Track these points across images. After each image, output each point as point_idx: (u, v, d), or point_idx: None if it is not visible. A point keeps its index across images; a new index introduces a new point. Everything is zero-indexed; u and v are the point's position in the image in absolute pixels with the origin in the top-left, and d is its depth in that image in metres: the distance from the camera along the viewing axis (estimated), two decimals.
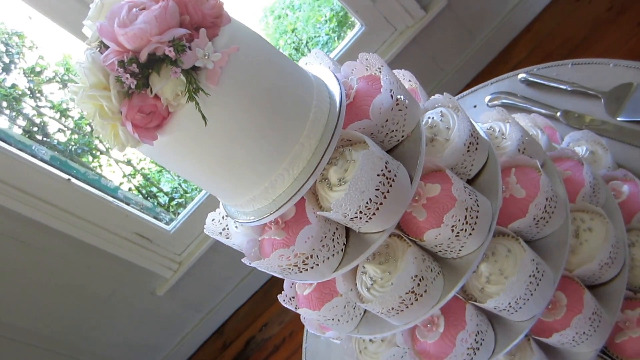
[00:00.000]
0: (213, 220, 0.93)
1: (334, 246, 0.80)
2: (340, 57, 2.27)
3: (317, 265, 0.80)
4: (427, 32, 2.27)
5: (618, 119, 1.21)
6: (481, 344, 0.87)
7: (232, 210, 0.83)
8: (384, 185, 0.75)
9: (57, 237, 2.28)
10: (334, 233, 0.81)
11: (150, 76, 0.66)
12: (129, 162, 2.64)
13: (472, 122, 0.91)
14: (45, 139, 2.35)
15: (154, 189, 2.73)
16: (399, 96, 0.81)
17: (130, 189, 2.58)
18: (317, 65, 0.86)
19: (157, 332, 2.81)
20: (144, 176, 2.70)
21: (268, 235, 0.81)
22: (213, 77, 0.66)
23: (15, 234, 2.25)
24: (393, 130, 0.83)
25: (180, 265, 2.51)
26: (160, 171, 2.77)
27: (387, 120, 0.81)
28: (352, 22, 2.49)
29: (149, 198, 2.67)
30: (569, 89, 1.29)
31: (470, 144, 0.87)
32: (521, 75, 1.38)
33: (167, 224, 2.44)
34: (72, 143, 2.49)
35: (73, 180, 2.18)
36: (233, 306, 2.80)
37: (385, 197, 0.75)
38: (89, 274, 2.46)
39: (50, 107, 2.42)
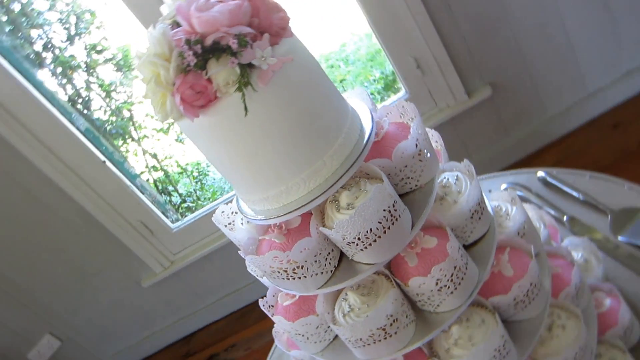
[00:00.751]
0: (223, 212, 0.96)
1: (326, 265, 0.83)
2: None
3: (305, 277, 0.83)
4: (464, 117, 2.33)
5: (619, 238, 1.23)
6: None
7: (243, 206, 0.87)
8: (387, 220, 0.79)
9: (68, 203, 2.34)
10: (329, 253, 0.84)
11: (209, 60, 0.72)
12: (154, 156, 2.70)
13: (483, 194, 0.95)
14: (86, 111, 2.42)
15: (171, 188, 2.78)
16: (422, 148, 0.86)
17: (148, 180, 2.63)
18: (358, 100, 0.91)
19: (128, 321, 2.81)
20: (165, 172, 2.75)
21: (269, 236, 0.84)
22: (264, 77, 0.71)
23: (31, 187, 2.31)
24: (409, 177, 0.87)
25: (172, 264, 2.53)
26: (182, 173, 2.83)
27: (405, 166, 0.85)
28: (397, 88, 2.57)
29: (163, 194, 2.72)
30: (582, 198, 1.33)
31: (475, 212, 0.91)
32: (540, 174, 1.42)
33: (173, 222, 2.48)
34: (109, 123, 2.56)
35: (108, 163, 2.27)
36: (208, 319, 2.80)
37: (384, 232, 0.79)
38: (85, 247, 2.50)
39: (99, 85, 2.50)
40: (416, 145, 0.85)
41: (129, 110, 2.59)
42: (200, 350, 2.68)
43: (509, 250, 0.95)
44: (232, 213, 0.96)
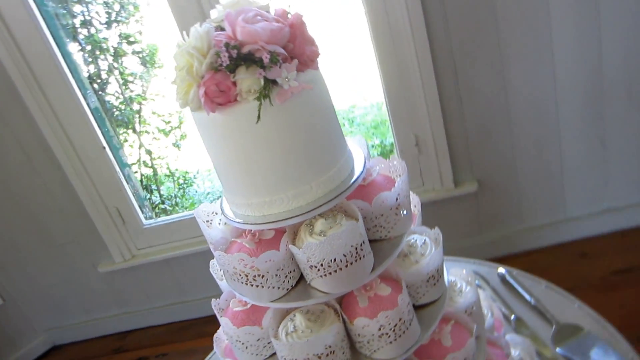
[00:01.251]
0: (204, 210, 1.01)
1: (284, 281, 0.88)
2: None
3: (262, 287, 0.87)
4: (446, 203, 2.41)
5: (558, 349, 1.28)
6: None
7: (225, 207, 0.92)
8: (351, 256, 0.84)
9: (56, 171, 2.38)
10: (290, 272, 0.88)
11: (239, 66, 0.78)
12: (149, 152, 2.75)
13: (444, 265, 1.00)
14: (100, 92, 2.48)
15: (154, 186, 2.80)
16: (401, 203, 0.92)
17: (135, 172, 2.66)
18: (357, 146, 0.98)
19: (73, 300, 2.78)
20: (154, 171, 2.79)
21: (241, 240, 0.89)
22: (282, 96, 0.78)
23: (26, 144, 2.34)
24: (382, 226, 0.92)
25: (132, 258, 2.54)
26: (169, 176, 2.86)
27: (382, 215, 0.91)
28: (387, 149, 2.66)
29: (145, 190, 2.74)
30: (533, 303, 1.38)
31: (432, 277, 0.96)
32: (500, 270, 1.48)
33: (146, 218, 2.51)
34: (118, 109, 2.62)
35: (105, 145, 2.32)
36: (148, 321, 2.78)
37: (346, 266, 0.84)
38: (57, 216, 2.52)
39: (120, 72, 2.57)
40: (396, 199, 0.91)
41: (139, 103, 2.66)
42: (132, 349, 2.64)
43: (453, 322, 1.00)
44: (213, 213, 1.01)
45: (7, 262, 2.67)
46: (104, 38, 2.47)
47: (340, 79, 2.95)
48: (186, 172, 2.90)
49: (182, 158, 2.85)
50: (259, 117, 0.77)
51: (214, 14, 0.87)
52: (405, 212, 0.93)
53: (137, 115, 2.69)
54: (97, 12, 2.41)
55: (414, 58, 2.12)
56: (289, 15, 0.84)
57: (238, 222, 0.87)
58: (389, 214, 0.91)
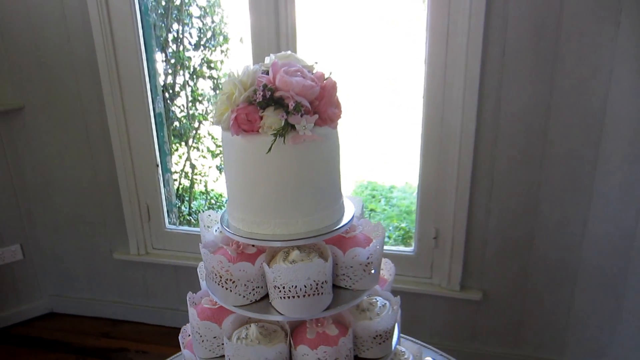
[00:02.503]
0: (209, 216, 1.18)
1: (250, 293, 1.03)
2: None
3: (230, 291, 1.02)
4: (446, 302, 2.50)
5: None
6: None
7: (225, 217, 1.09)
8: (311, 289, 0.98)
9: (107, 155, 2.65)
10: (258, 287, 1.04)
11: (269, 106, 0.97)
12: (192, 166, 3.00)
13: (396, 330, 1.13)
14: (168, 101, 2.75)
15: (187, 198, 3.03)
16: (372, 262, 1.06)
17: (175, 180, 2.90)
18: (351, 203, 1.14)
19: (82, 276, 3.01)
20: (192, 183, 3.03)
21: (227, 247, 1.05)
22: (295, 139, 0.95)
23: (89, 125, 2.63)
24: (349, 277, 1.07)
25: (146, 254, 2.74)
26: (203, 193, 3.09)
27: (351, 267, 1.06)
28: (409, 243, 2.78)
29: (178, 198, 2.97)
30: None
31: (379, 336, 1.08)
32: None
33: (170, 223, 2.71)
34: (178, 121, 2.88)
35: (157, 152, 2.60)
36: (140, 317, 2.96)
37: (304, 296, 0.98)
38: (94, 198, 2.80)
39: (192, 90, 2.85)
40: (368, 257, 1.05)
41: (200, 121, 2.91)
42: (118, 338, 2.81)
43: None
44: (215, 221, 1.18)
45: (40, 224, 2.92)
46: (188, 57, 2.76)
47: (387, 158, 3.15)
48: (221, 195, 3.12)
49: (220, 182, 3.08)
50: (270, 149, 0.94)
51: (267, 60, 1.07)
52: (373, 272, 1.07)
53: (194, 131, 2.95)
54: (190, 34, 2.71)
55: (456, 157, 2.28)
56: (325, 79, 1.03)
57: (228, 231, 1.04)
58: (357, 268, 1.06)
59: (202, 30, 2.75)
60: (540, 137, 2.20)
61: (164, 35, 2.64)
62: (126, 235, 2.76)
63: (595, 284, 2.33)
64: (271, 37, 2.26)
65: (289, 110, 0.95)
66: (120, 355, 2.70)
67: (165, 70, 2.72)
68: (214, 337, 1.08)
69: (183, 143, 2.94)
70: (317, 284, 0.98)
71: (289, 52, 1.07)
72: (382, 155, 3.25)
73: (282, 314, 1.01)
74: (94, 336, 2.86)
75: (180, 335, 1.21)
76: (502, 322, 2.50)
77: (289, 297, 0.98)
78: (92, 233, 2.87)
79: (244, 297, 1.03)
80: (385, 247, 1.32)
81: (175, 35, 2.71)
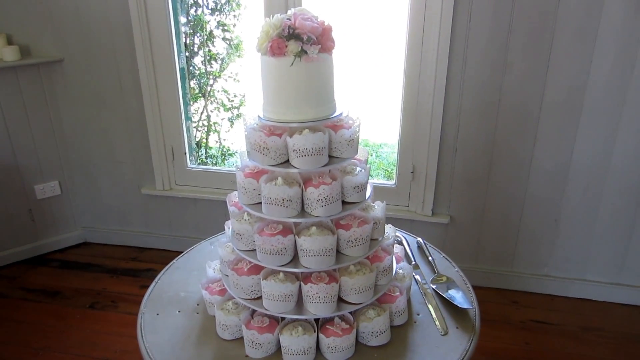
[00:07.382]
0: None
1: (278, 157, 1.78)
2: None
3: (266, 156, 1.77)
4: (421, 225, 3.30)
5: (431, 285, 2.12)
6: None
7: (259, 115, 1.84)
8: (316, 151, 1.74)
9: (137, 101, 3.43)
10: (283, 154, 1.79)
11: (291, 39, 1.72)
12: (208, 117, 3.75)
13: (370, 186, 1.89)
14: (190, 58, 3.50)
15: (204, 144, 3.80)
16: (352, 139, 1.82)
17: (195, 127, 3.66)
18: (346, 109, 1.89)
19: (112, 209, 3.80)
20: (209, 131, 3.80)
21: (261, 132, 1.81)
22: (307, 60, 1.71)
23: (122, 75, 3.37)
24: (338, 149, 1.83)
25: (170, 189, 3.50)
26: (217, 142, 3.84)
27: (340, 142, 1.81)
28: (392, 177, 3.56)
29: (196, 145, 3.73)
30: (430, 259, 2.24)
31: (357, 186, 1.85)
32: (419, 239, 2.35)
33: (191, 162, 3.46)
34: (199, 77, 3.64)
35: (180, 100, 3.31)
36: (164, 245, 3.76)
37: (312, 155, 1.74)
38: (124, 139, 3.60)
39: (208, 50, 3.60)
40: (350, 136, 1.81)
41: (215, 77, 3.68)
42: (145, 261, 3.57)
43: (360, 220, 1.87)
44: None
45: (75, 163, 3.68)
46: (205, 20, 3.51)
47: (382, 118, 3.93)
48: (229, 148, 3.90)
49: (231, 133, 3.84)
50: (292, 63, 1.70)
51: (289, 12, 1.83)
52: (353, 145, 1.83)
53: (209, 87, 3.70)
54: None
55: (430, 107, 3.05)
56: (325, 24, 1.78)
57: (263, 119, 1.79)
58: (344, 143, 1.81)
59: None
60: (497, 90, 2.98)
61: (187, 1, 3.39)
62: (153, 173, 3.52)
63: (538, 209, 3.13)
64: (281, 1, 3.02)
65: (303, 41, 1.70)
66: (148, 274, 3.46)
67: (187, 32, 3.47)
68: (253, 189, 1.83)
69: (201, 95, 3.70)
70: (320, 148, 1.74)
71: (303, 7, 1.83)
72: (374, 115, 4.02)
73: (297, 168, 1.76)
74: (124, 260, 3.62)
75: (227, 200, 1.96)
76: (465, 241, 3.29)
77: (302, 156, 1.74)
78: (122, 171, 3.62)
79: (273, 159, 1.78)
80: (372, 181, 2.12)
81: (195, 1, 3.45)
